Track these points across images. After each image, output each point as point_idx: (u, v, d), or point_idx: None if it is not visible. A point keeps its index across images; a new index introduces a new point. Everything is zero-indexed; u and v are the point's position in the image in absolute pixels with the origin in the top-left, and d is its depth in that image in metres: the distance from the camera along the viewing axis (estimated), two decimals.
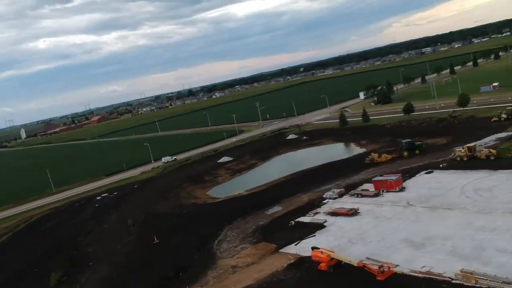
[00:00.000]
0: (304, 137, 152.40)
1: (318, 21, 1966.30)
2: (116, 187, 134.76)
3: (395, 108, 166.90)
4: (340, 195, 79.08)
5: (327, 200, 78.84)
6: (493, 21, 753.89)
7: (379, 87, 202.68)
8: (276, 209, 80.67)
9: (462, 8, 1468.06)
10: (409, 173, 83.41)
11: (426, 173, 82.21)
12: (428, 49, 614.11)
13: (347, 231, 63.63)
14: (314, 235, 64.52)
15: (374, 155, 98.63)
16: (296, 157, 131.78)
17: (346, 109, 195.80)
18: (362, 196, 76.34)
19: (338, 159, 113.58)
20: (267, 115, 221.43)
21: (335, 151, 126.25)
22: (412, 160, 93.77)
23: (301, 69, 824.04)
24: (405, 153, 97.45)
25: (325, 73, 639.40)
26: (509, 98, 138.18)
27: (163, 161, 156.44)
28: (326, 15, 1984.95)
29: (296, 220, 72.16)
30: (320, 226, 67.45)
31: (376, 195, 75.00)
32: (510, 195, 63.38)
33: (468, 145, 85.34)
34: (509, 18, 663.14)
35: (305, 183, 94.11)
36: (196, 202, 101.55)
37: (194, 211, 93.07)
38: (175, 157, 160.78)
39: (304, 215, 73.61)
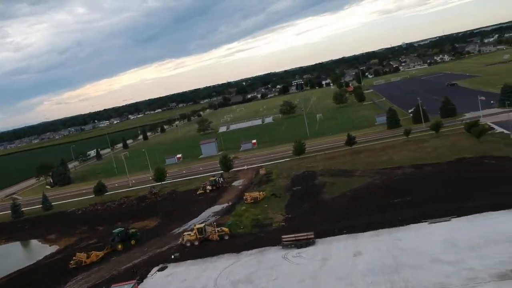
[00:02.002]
0: None
1: None
2: None
3: (79, 190, 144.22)
4: None
5: None
6: (143, 99, 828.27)
7: (54, 168, 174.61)
8: None
9: (111, 88, 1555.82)
10: (137, 274, 64.14)
11: (159, 270, 64.62)
12: (89, 125, 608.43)
13: None
14: None
15: (81, 255, 74.64)
16: None
17: (15, 196, 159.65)
18: None
19: (23, 267, 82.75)
20: None
21: (14, 256, 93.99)
22: (131, 253, 74.67)
23: None
24: (120, 246, 77.59)
25: None
26: (201, 168, 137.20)
27: None
28: None
29: None
30: None
31: None
32: (273, 283, 52.78)
33: (198, 226, 73.20)
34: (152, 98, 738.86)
35: None
36: None
37: None
38: None
39: None
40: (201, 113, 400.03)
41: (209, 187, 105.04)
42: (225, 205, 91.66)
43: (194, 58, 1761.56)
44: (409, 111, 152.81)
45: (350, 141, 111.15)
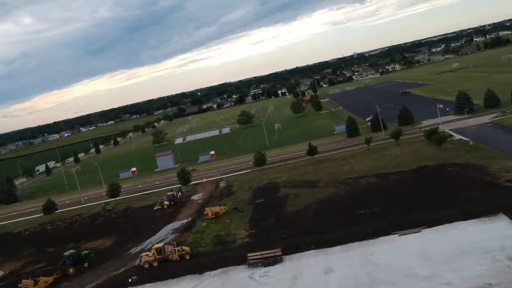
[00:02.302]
0: None
1: None
2: None
3: (26, 208, 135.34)
4: None
5: None
6: (95, 111, 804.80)
7: None
8: None
9: (61, 99, 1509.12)
10: None
11: None
12: (38, 139, 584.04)
13: None
14: None
15: (28, 282, 68.21)
16: None
17: None
18: None
19: None
20: None
21: None
22: (84, 278, 68.89)
23: None
24: (71, 270, 71.60)
25: None
26: (157, 182, 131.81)
27: None
28: None
29: None
30: None
31: None
32: None
33: (156, 246, 68.53)
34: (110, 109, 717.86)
35: None
36: None
37: None
38: None
39: None
40: (156, 124, 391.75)
41: (166, 202, 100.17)
42: (184, 221, 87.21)
43: (147, 69, 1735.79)
44: (367, 119, 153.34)
45: (312, 151, 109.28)
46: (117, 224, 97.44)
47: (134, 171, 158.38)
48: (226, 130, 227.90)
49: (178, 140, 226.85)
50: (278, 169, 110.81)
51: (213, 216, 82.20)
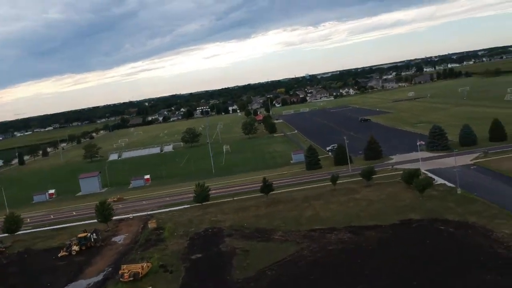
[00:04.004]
0: None
1: None
2: None
3: None
4: None
5: None
6: (37, 115, 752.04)
7: None
8: None
9: (1, 100, 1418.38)
10: None
11: None
12: None
13: None
14: None
15: None
16: None
17: None
18: None
19: None
20: None
21: None
22: None
23: None
24: None
25: None
26: (74, 213, 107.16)
27: None
28: None
29: None
30: None
31: None
32: None
33: None
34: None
35: None
36: None
37: None
38: None
39: None
40: (94, 134, 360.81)
41: (75, 248, 76.70)
42: (93, 280, 64.37)
43: (96, 75, 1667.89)
44: (328, 148, 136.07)
45: (266, 188, 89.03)
46: (5, 275, 72.87)
47: (52, 193, 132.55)
48: (168, 148, 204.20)
49: (113, 156, 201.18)
50: (223, 208, 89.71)
51: (131, 279, 60.10)
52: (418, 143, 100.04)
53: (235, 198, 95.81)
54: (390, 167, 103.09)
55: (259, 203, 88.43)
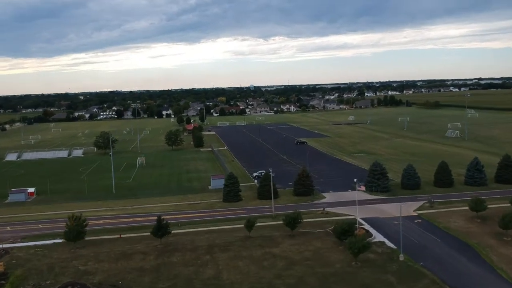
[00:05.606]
0: None
1: None
2: None
3: None
4: None
5: None
6: None
7: None
8: None
9: None
10: None
11: None
12: None
13: None
14: None
15: None
16: None
17: None
18: None
19: None
20: None
21: None
22: None
23: None
24: None
25: None
26: None
27: None
28: None
29: None
30: None
31: None
32: None
33: None
34: None
35: None
36: None
37: None
38: None
39: None
40: (7, 126, 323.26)
41: None
42: None
43: (35, 61, 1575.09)
44: (254, 175, 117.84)
45: (161, 229, 68.23)
46: None
47: None
48: (78, 153, 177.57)
49: (11, 157, 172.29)
50: (101, 251, 67.95)
51: None
52: (358, 188, 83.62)
53: (122, 236, 74.50)
54: (322, 209, 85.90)
55: (149, 249, 67.58)
